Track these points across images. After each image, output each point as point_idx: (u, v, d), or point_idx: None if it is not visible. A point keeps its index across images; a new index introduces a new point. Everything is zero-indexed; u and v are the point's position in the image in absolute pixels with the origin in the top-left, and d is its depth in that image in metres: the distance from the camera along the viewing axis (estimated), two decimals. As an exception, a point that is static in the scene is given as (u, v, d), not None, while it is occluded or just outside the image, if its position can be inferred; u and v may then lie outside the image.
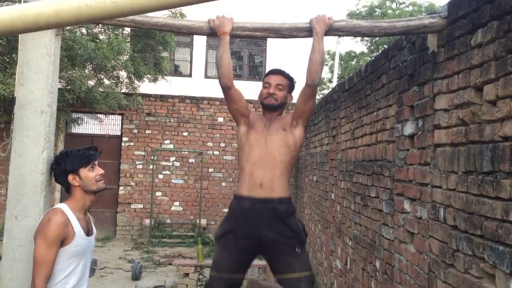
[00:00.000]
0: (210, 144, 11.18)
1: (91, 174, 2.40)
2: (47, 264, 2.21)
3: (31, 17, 0.90)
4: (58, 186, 9.26)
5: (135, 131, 10.98)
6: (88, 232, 2.44)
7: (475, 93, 2.14)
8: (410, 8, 17.38)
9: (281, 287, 2.78)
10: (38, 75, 2.44)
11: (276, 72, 2.98)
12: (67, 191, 2.45)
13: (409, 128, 2.97)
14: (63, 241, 2.27)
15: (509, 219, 1.81)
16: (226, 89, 2.82)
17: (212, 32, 2.68)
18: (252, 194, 2.72)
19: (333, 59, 15.49)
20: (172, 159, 11.09)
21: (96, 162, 2.46)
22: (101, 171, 2.46)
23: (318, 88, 2.84)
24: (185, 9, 9.51)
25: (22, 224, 2.38)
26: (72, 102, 8.78)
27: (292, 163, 2.84)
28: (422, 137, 2.75)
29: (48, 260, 2.21)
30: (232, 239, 2.73)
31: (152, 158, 10.78)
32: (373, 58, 4.26)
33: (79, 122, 10.48)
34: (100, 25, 8.42)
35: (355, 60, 18.15)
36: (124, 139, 10.95)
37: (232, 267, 2.71)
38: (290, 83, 2.98)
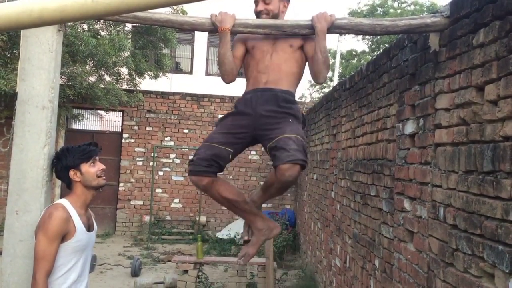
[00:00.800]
0: (210, 141, 11.18)
1: (92, 170, 2.42)
2: (48, 259, 2.21)
3: (37, 13, 0.90)
4: (58, 182, 9.27)
5: (136, 127, 10.98)
6: (89, 228, 2.44)
7: (476, 92, 2.15)
8: (412, 7, 17.35)
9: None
10: (39, 71, 2.44)
11: None
12: (68, 186, 2.46)
13: (410, 127, 2.97)
14: (64, 237, 2.28)
15: (509, 218, 1.81)
16: (231, 83, 2.83)
17: (214, 29, 2.67)
18: (256, 87, 2.68)
19: (334, 57, 15.48)
20: (172, 156, 11.09)
21: (97, 158, 2.48)
22: (102, 166, 2.48)
23: (316, 86, 2.83)
24: (186, 6, 9.50)
25: (23, 219, 2.38)
26: (73, 98, 8.78)
27: (298, 76, 2.75)
28: (423, 136, 2.75)
29: (49, 255, 2.22)
30: (230, 119, 2.70)
31: (152, 155, 10.78)
32: (374, 57, 4.26)
33: (80, 118, 10.48)
34: (101, 21, 8.42)
35: (356, 58, 18.14)
36: (125, 135, 10.95)
37: (223, 139, 2.61)
38: None
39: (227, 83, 2.81)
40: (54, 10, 0.90)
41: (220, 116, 11.26)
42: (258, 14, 2.77)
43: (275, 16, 2.76)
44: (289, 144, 2.43)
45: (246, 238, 2.78)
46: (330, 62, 16.34)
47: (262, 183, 10.82)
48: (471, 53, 2.20)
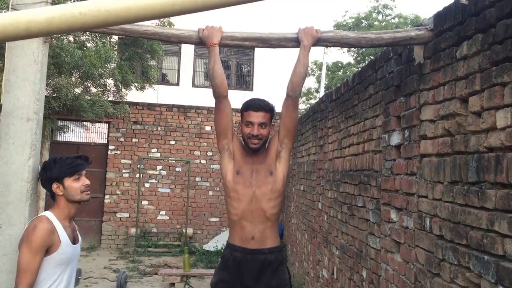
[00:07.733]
0: (197, 153, 11.15)
1: (76, 185, 2.36)
2: (31, 272, 2.17)
3: (23, 25, 0.90)
4: (43, 195, 9.13)
5: (122, 139, 10.91)
6: (74, 240, 2.41)
7: (461, 104, 2.18)
8: (396, 20, 17.58)
9: None
10: (24, 83, 2.43)
11: (256, 108, 2.83)
12: (52, 198, 2.43)
13: (395, 138, 3.00)
14: (48, 249, 2.24)
15: (494, 228, 1.83)
16: (222, 98, 2.78)
17: (201, 42, 2.69)
18: (244, 245, 2.81)
19: (320, 69, 15.58)
20: (158, 167, 11.03)
21: (83, 172, 2.42)
22: (87, 182, 2.42)
23: (299, 100, 2.84)
24: (173, 18, 9.52)
25: (6, 233, 2.35)
26: (58, 110, 8.69)
27: (281, 206, 2.89)
28: (409, 147, 2.77)
29: (32, 267, 2.18)
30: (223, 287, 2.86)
31: (138, 166, 10.71)
32: (360, 68, 4.30)
33: (65, 130, 10.37)
34: (87, 32, 8.38)
35: (342, 70, 18.29)
36: (111, 147, 10.87)
37: None
38: (271, 114, 2.88)
39: (217, 96, 2.77)
40: (41, 22, 0.89)
41: (205, 127, 11.17)
42: (251, 136, 2.81)
43: (266, 141, 2.89)
44: None
45: None
46: (317, 74, 16.45)
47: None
48: (455, 65, 2.23)
